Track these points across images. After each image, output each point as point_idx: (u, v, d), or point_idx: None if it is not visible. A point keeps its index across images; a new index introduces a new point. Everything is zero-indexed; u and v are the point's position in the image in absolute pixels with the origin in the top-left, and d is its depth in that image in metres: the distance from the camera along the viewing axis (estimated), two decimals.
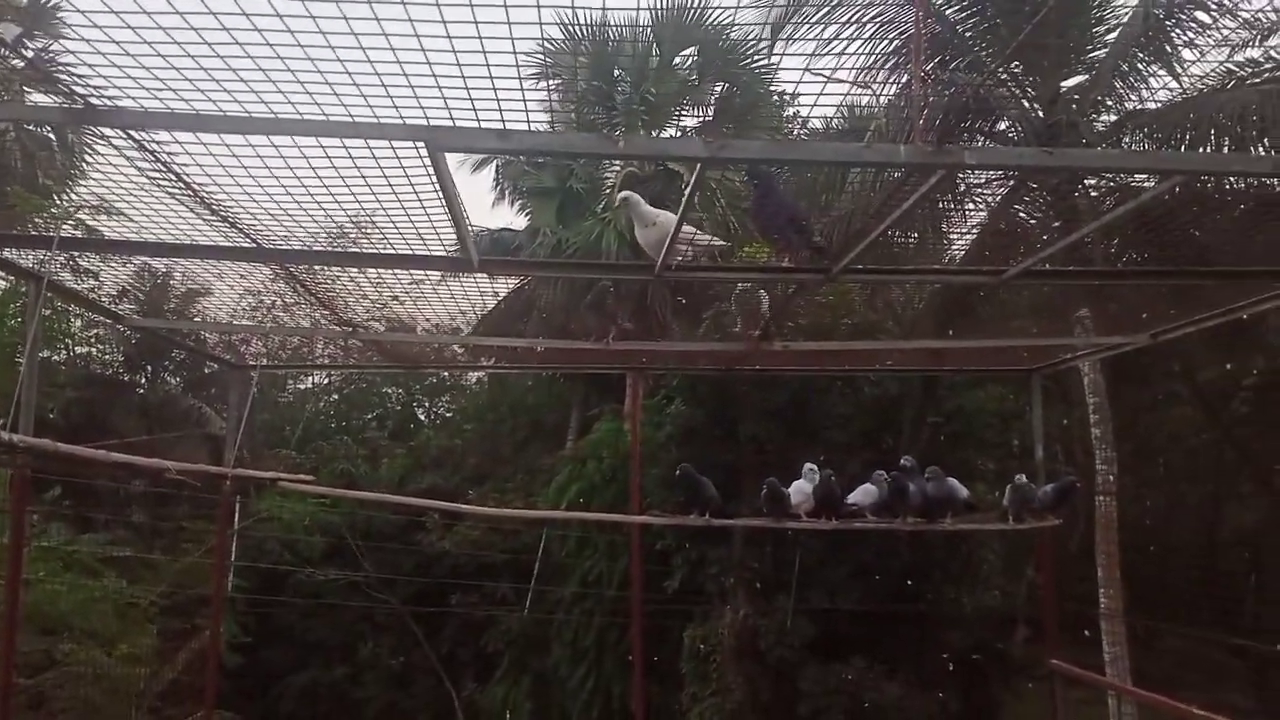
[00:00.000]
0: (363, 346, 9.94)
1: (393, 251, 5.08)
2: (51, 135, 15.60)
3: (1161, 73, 11.35)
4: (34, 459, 5.26)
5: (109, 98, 3.55)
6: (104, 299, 14.49)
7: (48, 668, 13.01)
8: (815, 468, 7.06)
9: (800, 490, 6.98)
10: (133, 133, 3.88)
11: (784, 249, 5.04)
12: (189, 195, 4.55)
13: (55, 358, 17.26)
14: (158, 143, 3.98)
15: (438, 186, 3.79)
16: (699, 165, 3.82)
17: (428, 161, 3.56)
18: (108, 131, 4.14)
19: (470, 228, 4.29)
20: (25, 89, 12.01)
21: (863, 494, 7.07)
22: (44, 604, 13.13)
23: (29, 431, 5.09)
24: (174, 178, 4.33)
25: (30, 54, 12.89)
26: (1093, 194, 13.22)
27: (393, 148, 3.70)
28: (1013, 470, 8.77)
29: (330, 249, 5.35)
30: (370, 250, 5.27)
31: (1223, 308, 6.47)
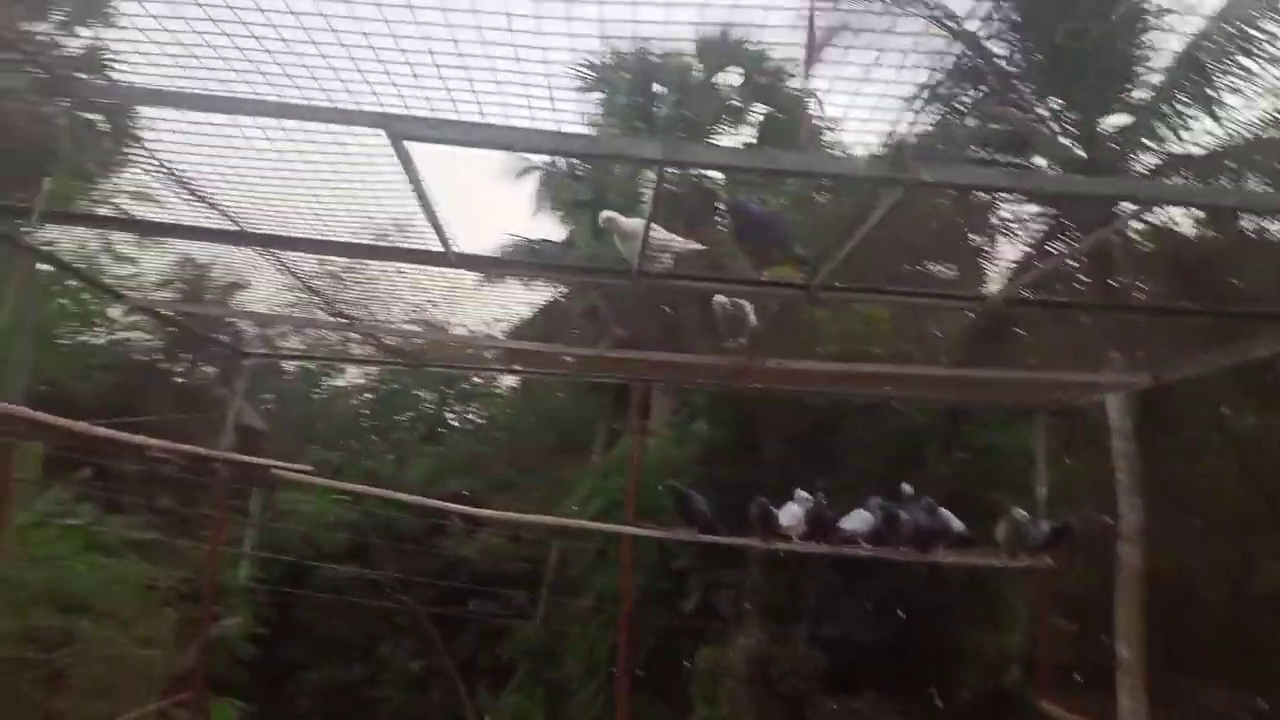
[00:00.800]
0: (390, 347, 10.04)
1: (371, 242, 5.12)
2: (105, 122, 15.85)
3: (1205, 117, 11.17)
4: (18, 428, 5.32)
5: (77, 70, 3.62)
6: (144, 286, 14.76)
7: (65, 644, 13.20)
8: (809, 495, 7.02)
9: (792, 513, 6.94)
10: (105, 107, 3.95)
11: (765, 263, 5.07)
12: (165, 174, 4.60)
13: (96, 341, 17.61)
14: (127, 115, 4.04)
15: (406, 178, 3.80)
16: (659, 168, 3.83)
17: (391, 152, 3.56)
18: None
19: (440, 214, 4.30)
20: None
21: (857, 520, 6.99)
22: (64, 582, 13.32)
23: (17, 402, 5.13)
24: (147, 154, 4.39)
25: None
26: (1131, 234, 13.05)
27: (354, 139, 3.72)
28: (1035, 512, 8.58)
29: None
30: (358, 242, 5.28)
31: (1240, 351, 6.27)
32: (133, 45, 3.45)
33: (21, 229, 5.06)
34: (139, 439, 5.80)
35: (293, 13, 3.28)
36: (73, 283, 13.49)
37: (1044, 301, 5.85)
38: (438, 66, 3.59)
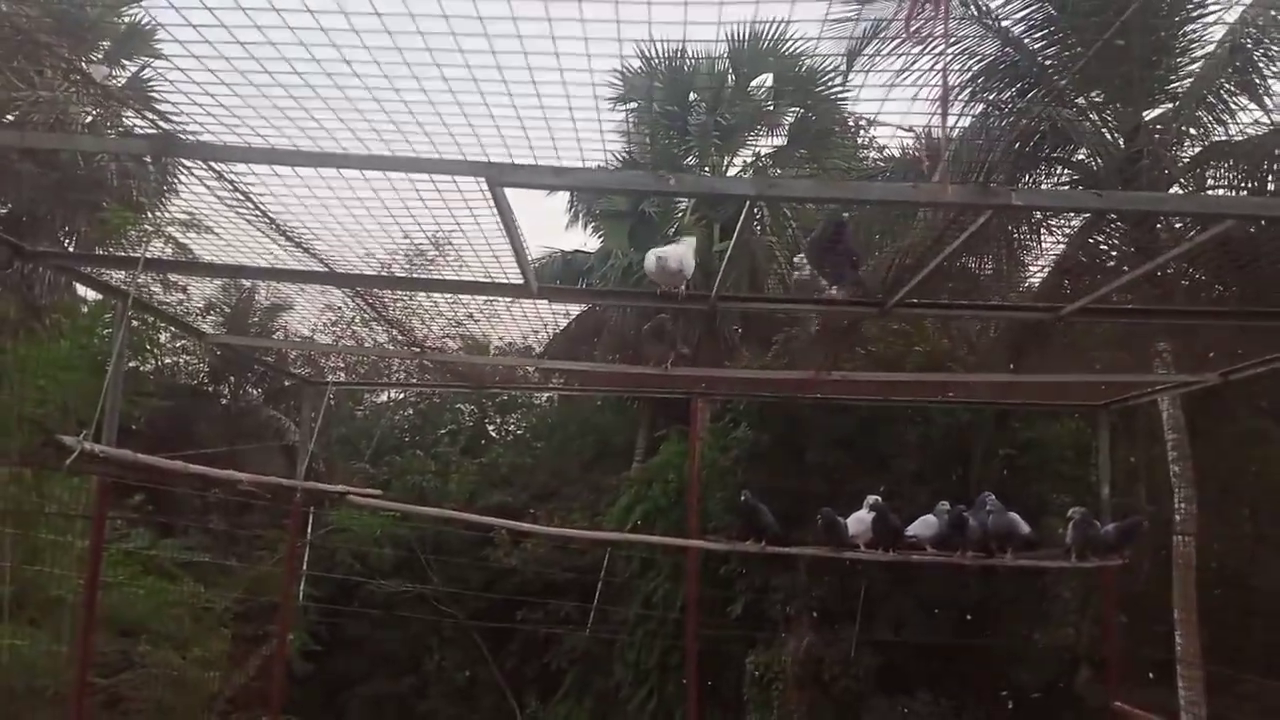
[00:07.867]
0: (434, 365, 10.17)
1: (455, 278, 5.20)
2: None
3: (1250, 105, 11.02)
4: (116, 468, 5.47)
5: (191, 131, 3.73)
6: (191, 312, 14.96)
7: (124, 669, 13.40)
8: (879, 499, 6.99)
9: (859, 520, 6.91)
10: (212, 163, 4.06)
11: (835, 282, 5.06)
12: (265, 222, 4.73)
13: (144, 367, 17.89)
14: (235, 173, 4.16)
15: (499, 219, 3.88)
16: (750, 203, 3.87)
17: (489, 195, 3.66)
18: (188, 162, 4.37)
19: (528, 252, 4.38)
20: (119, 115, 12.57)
21: (923, 526, 6.96)
22: (122, 606, 13.53)
23: (112, 442, 5.29)
24: (251, 205, 4.50)
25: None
26: (1177, 224, 12.86)
27: (455, 183, 3.82)
28: (1088, 506, 8.50)
29: (402, 274, 5.50)
30: (436, 276, 5.40)
31: None
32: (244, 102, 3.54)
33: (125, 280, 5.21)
34: (231, 474, 5.92)
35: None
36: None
37: (1118, 309, 5.79)
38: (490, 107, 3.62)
